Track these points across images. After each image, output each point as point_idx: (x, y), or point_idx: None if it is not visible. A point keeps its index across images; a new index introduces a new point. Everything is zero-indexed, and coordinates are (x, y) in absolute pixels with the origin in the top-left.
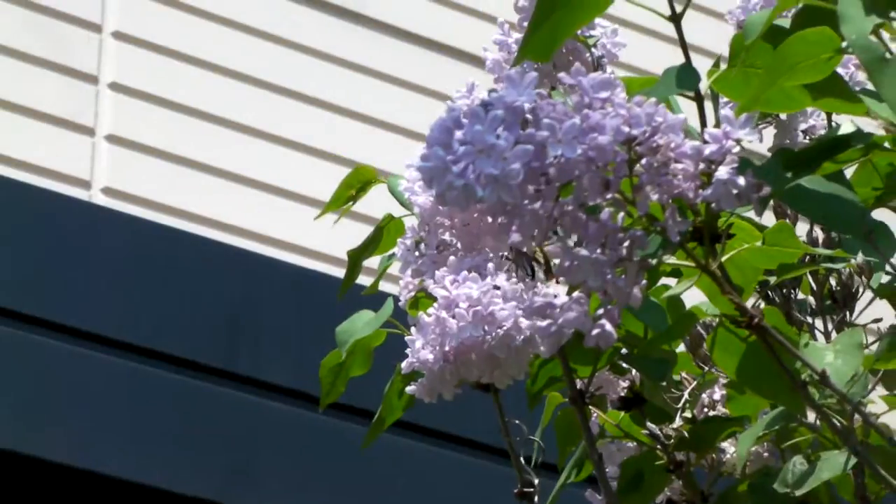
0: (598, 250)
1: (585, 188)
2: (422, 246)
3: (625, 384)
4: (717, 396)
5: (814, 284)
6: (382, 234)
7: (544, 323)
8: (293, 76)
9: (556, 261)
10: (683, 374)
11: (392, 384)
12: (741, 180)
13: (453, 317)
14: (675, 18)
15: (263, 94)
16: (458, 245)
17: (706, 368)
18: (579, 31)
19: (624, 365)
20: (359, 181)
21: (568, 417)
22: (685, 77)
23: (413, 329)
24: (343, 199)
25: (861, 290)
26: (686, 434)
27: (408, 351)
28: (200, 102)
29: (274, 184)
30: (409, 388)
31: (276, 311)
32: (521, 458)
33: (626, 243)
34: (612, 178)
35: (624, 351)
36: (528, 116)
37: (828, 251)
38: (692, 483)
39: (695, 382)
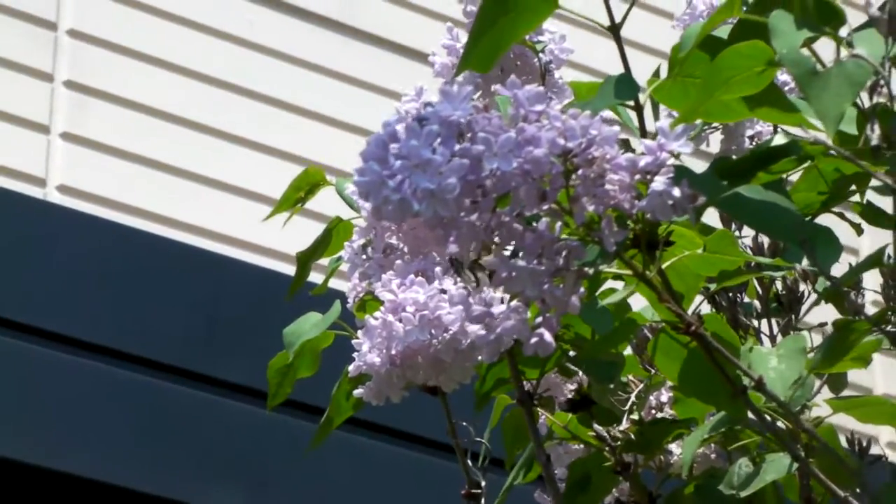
0: (535, 261)
1: (522, 200)
2: (369, 249)
3: (572, 386)
4: (664, 399)
5: (759, 288)
6: (331, 236)
7: (483, 331)
8: (249, 75)
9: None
10: (630, 377)
11: (339, 386)
12: (676, 191)
13: (400, 320)
14: (614, 29)
15: (220, 93)
16: (405, 249)
17: (653, 371)
18: (528, 37)
19: (572, 367)
20: (307, 183)
21: (516, 419)
22: (623, 88)
23: (360, 332)
24: (292, 201)
25: (807, 293)
26: (633, 436)
27: (355, 354)
28: (157, 101)
29: (230, 182)
30: (357, 392)
31: (232, 309)
32: (469, 460)
33: (564, 253)
34: (548, 190)
35: (572, 353)
36: (463, 130)
37: (767, 260)
38: (639, 485)
39: (642, 385)
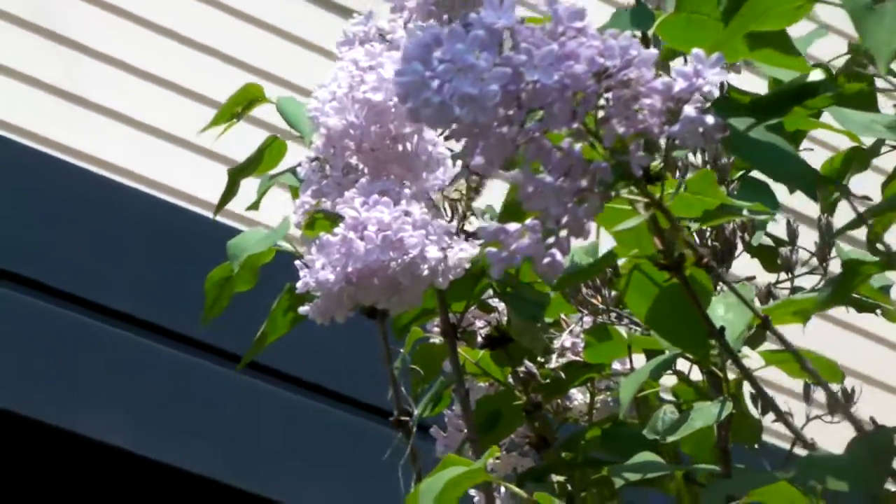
0: (561, 179)
1: (555, 115)
2: (326, 167)
3: (481, 324)
4: (571, 343)
5: (697, 238)
6: (264, 154)
7: (494, 248)
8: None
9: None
10: (563, 316)
11: (279, 302)
12: (709, 119)
13: (361, 238)
14: None
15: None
16: (365, 170)
17: (584, 312)
18: None
19: (492, 303)
20: (246, 98)
21: (428, 351)
22: (640, 17)
23: (313, 248)
24: (228, 115)
25: (741, 246)
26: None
27: (303, 271)
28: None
29: (141, 120)
30: (303, 309)
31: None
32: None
33: (588, 175)
34: (579, 109)
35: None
36: (505, 39)
37: (746, 203)
38: (548, 425)
39: (573, 324)
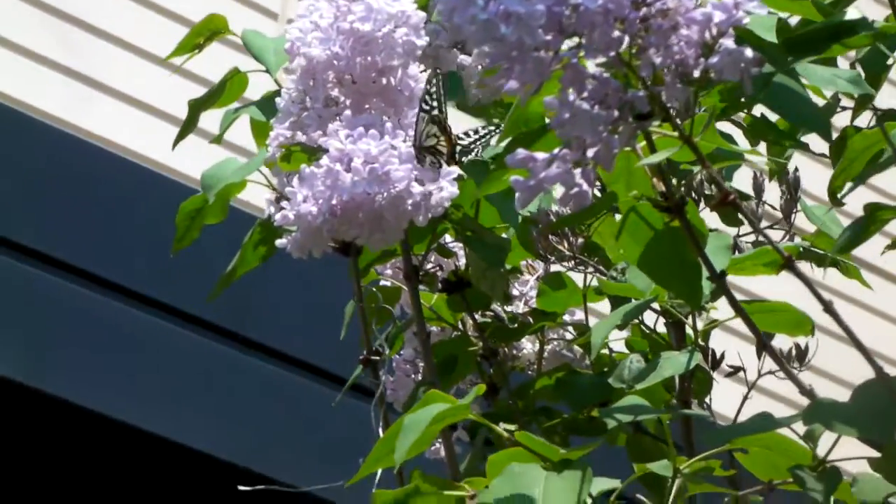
0: (598, 107)
1: (595, 42)
2: (307, 99)
3: (431, 266)
4: (529, 290)
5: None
6: (226, 87)
7: (521, 177)
8: None
9: (551, 115)
10: (529, 262)
11: (250, 236)
12: (748, 52)
13: (347, 171)
14: None
15: None
16: (347, 103)
17: (552, 259)
18: None
19: (450, 248)
20: (209, 29)
21: (382, 293)
22: None
23: (294, 181)
24: (190, 46)
25: (698, 199)
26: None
27: (284, 203)
28: None
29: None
30: (280, 242)
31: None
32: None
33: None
34: (617, 37)
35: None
36: None
37: (742, 149)
38: (503, 372)
39: (540, 270)
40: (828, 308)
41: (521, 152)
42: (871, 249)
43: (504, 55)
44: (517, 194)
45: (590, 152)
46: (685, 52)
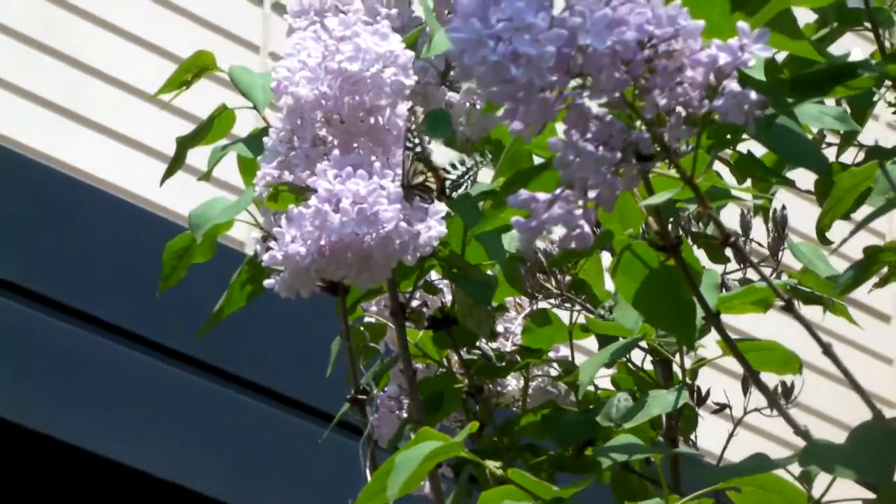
0: (602, 148)
1: (602, 83)
2: (294, 139)
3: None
4: (516, 327)
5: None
6: (213, 123)
7: (523, 219)
8: None
9: (558, 155)
10: (517, 300)
11: (238, 275)
12: (753, 94)
13: (336, 211)
14: None
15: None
16: (334, 143)
17: (539, 297)
18: None
19: (436, 284)
20: (196, 66)
21: (368, 330)
22: None
23: (283, 221)
24: (178, 82)
25: (686, 235)
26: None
27: (272, 243)
28: None
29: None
30: (268, 282)
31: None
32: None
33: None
34: (622, 77)
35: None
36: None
37: (742, 188)
38: (488, 409)
39: (527, 308)
40: (826, 351)
41: (523, 193)
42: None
43: (510, 96)
44: (517, 234)
45: (591, 193)
46: (690, 93)
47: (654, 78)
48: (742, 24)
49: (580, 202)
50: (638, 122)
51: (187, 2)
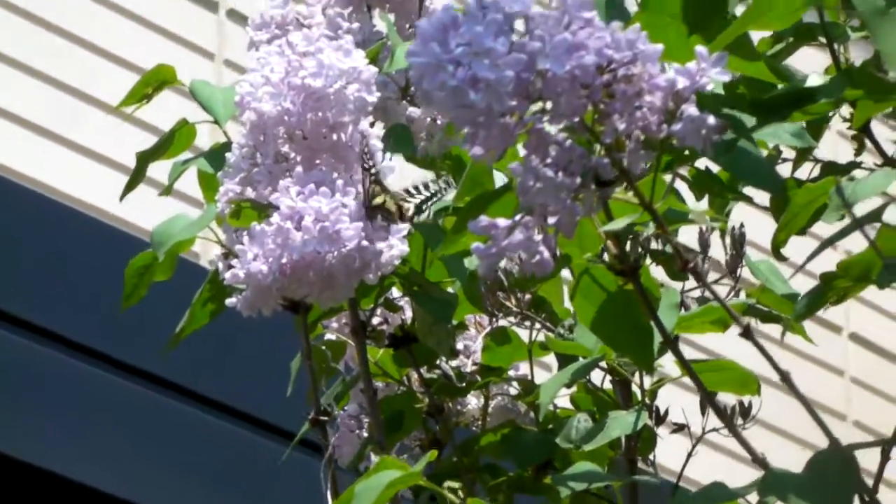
0: (562, 174)
1: (562, 107)
2: (257, 155)
3: (377, 321)
4: (476, 345)
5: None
6: (174, 137)
7: (483, 244)
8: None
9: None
10: (477, 318)
11: (200, 294)
12: (711, 119)
13: (298, 229)
14: None
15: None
16: (297, 159)
17: (499, 315)
18: None
19: (397, 303)
20: (157, 80)
21: (329, 348)
22: (616, 12)
23: (245, 238)
24: (139, 96)
25: (644, 254)
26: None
27: (234, 261)
28: None
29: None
30: (230, 301)
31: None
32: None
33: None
34: (582, 102)
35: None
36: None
37: (702, 209)
38: (448, 428)
39: (489, 327)
40: (785, 378)
41: (483, 219)
42: None
43: (470, 120)
44: (477, 260)
45: (551, 219)
46: (648, 118)
47: (613, 102)
48: (700, 49)
49: (540, 228)
50: (597, 147)
51: (141, 8)
